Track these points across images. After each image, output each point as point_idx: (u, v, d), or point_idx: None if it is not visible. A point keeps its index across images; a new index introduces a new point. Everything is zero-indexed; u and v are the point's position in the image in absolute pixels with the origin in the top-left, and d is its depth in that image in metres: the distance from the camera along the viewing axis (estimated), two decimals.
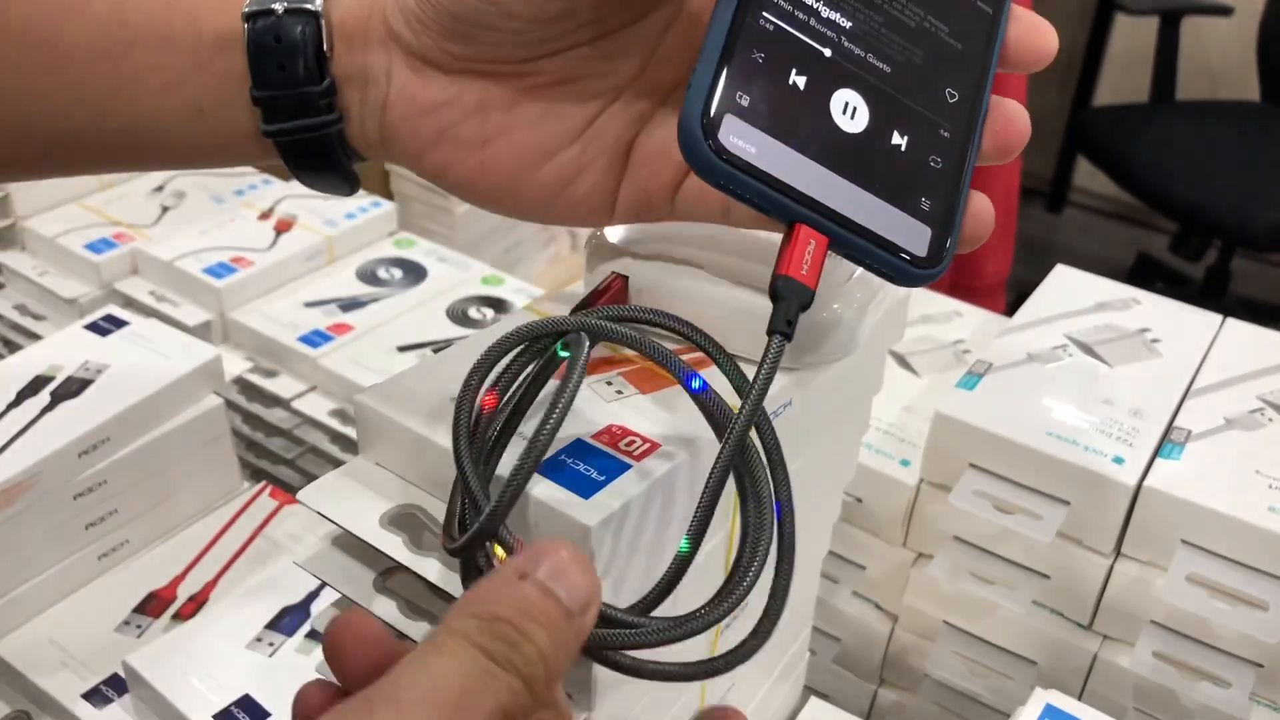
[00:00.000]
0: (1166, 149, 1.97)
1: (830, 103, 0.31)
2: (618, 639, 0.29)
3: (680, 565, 0.30)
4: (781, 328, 0.30)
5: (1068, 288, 0.66)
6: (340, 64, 0.36)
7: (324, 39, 0.35)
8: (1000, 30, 0.34)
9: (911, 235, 0.31)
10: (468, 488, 0.31)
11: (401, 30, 0.35)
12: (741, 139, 0.29)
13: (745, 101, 0.29)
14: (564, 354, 0.33)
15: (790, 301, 0.30)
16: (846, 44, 0.32)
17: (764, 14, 0.30)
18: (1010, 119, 0.34)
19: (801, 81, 0.30)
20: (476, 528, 0.30)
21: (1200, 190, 1.87)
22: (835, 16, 0.32)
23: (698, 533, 0.30)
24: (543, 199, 0.36)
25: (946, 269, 0.32)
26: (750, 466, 0.32)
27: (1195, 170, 1.92)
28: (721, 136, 0.29)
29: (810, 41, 0.31)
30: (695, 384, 0.32)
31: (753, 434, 0.32)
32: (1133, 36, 2.45)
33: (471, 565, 0.31)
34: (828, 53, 0.31)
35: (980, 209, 0.33)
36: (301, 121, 0.36)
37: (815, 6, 0.31)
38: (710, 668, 0.30)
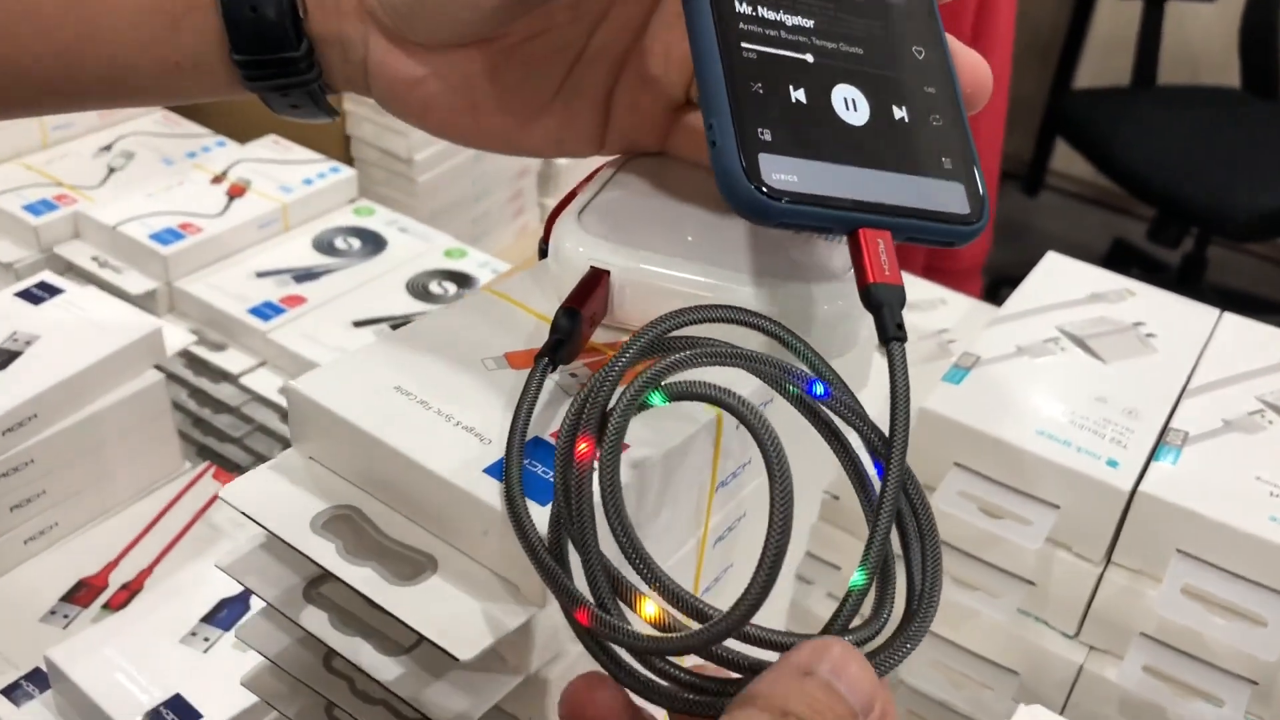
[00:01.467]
0: (1146, 134, 1.95)
1: (832, 103, 0.32)
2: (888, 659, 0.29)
3: (856, 600, 0.28)
4: (894, 333, 0.30)
5: (1059, 276, 0.63)
6: (315, 26, 0.35)
7: (298, 4, 0.35)
8: None
9: (951, 197, 0.32)
10: (670, 590, 0.27)
11: (375, 8, 0.35)
12: (781, 172, 0.29)
13: (768, 136, 0.30)
14: (655, 401, 0.30)
15: (892, 305, 0.30)
16: (819, 42, 0.32)
17: (743, 45, 0.31)
18: (973, 64, 0.35)
19: (801, 94, 0.31)
20: (719, 629, 0.26)
21: (1178, 178, 1.85)
22: (799, 21, 0.32)
23: (875, 565, 0.28)
24: (535, 147, 0.38)
25: (989, 217, 0.32)
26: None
27: (1174, 157, 1.89)
28: (764, 176, 0.29)
29: (791, 54, 0.32)
30: (819, 389, 0.31)
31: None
32: (1115, 20, 2.43)
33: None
34: (810, 58, 0.32)
35: (972, 64, 0.34)
36: (282, 81, 0.36)
37: (779, 19, 0.32)
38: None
